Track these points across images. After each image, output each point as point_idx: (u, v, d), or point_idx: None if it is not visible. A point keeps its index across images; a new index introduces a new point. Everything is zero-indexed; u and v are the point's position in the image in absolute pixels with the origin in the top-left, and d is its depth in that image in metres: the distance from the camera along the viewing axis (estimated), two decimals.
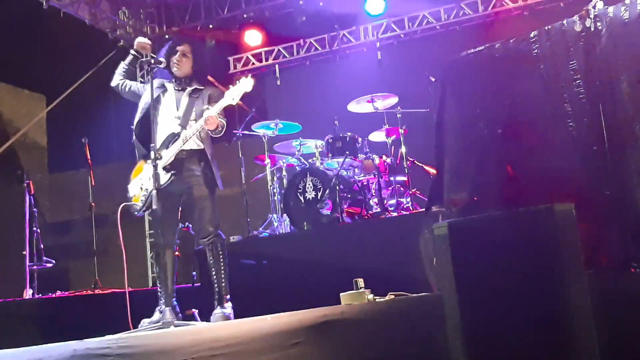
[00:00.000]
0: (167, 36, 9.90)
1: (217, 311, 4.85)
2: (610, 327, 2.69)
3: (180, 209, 5.13)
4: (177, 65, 5.11)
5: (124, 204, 4.92)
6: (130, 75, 5.35)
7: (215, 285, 4.94)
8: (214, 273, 4.95)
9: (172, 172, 4.74)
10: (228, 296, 4.94)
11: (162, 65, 4.96)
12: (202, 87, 5.18)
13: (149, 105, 4.85)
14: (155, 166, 4.56)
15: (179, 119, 4.98)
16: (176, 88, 5.13)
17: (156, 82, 5.08)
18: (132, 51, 5.28)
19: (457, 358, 2.63)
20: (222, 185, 5.08)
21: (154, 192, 4.51)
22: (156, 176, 4.50)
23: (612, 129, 3.74)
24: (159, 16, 10.43)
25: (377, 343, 3.22)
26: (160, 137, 4.91)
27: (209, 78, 5.28)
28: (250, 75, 5.10)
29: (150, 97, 4.80)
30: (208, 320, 4.87)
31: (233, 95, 4.92)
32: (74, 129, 9.56)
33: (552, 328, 2.46)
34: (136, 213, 5.01)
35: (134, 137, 5.06)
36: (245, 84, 4.95)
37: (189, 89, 5.13)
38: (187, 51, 5.15)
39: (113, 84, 5.32)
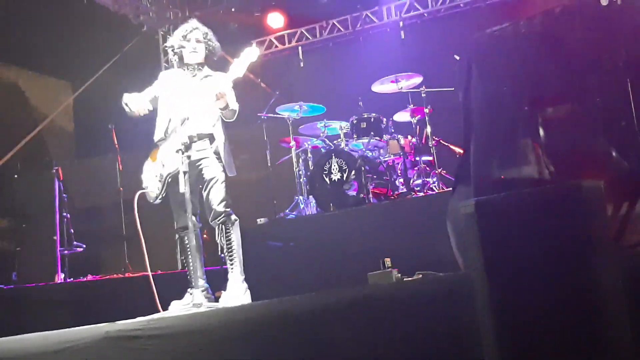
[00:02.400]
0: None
1: (227, 292, 4.84)
2: None
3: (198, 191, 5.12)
4: (190, 52, 5.06)
5: (141, 191, 4.94)
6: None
7: (228, 266, 4.92)
8: (226, 253, 4.93)
9: (187, 155, 4.68)
10: (242, 277, 4.90)
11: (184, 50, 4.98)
12: (214, 73, 5.14)
13: (165, 93, 5.00)
14: (180, 150, 4.59)
15: (191, 104, 4.91)
16: (189, 75, 5.09)
17: (168, 71, 5.10)
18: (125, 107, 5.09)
19: (486, 337, 2.63)
20: (245, 165, 5.06)
21: (181, 174, 4.54)
22: (184, 159, 4.55)
23: None
24: (182, 1, 10.43)
25: (404, 322, 3.23)
26: (175, 123, 4.90)
27: (223, 54, 5.19)
28: (255, 43, 4.96)
29: (165, 86, 4.98)
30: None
31: (238, 67, 4.83)
32: (101, 115, 9.65)
33: (582, 306, 2.45)
34: (152, 201, 5.01)
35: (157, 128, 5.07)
36: (250, 54, 4.84)
37: (200, 75, 5.10)
38: (199, 37, 5.09)
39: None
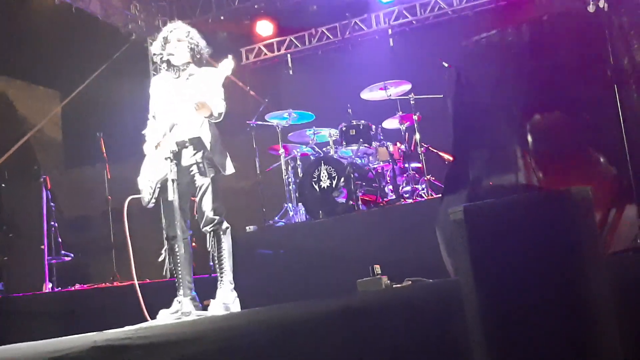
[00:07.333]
0: None
1: (216, 301, 4.80)
2: (629, 310, 2.68)
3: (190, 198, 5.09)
4: (174, 53, 4.95)
5: (131, 196, 4.90)
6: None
7: (218, 273, 4.90)
8: (216, 261, 4.90)
9: (175, 161, 4.62)
10: (232, 285, 4.87)
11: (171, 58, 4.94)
12: (199, 70, 5.04)
13: (157, 100, 4.97)
14: (168, 158, 4.56)
15: (177, 108, 4.83)
16: (174, 77, 5.00)
17: (158, 76, 5.07)
18: None
19: (476, 343, 2.63)
20: (234, 173, 5.00)
21: (170, 182, 4.51)
22: (172, 167, 4.52)
23: (629, 111, 3.72)
24: (170, 9, 10.43)
25: (394, 329, 3.23)
26: (162, 128, 4.82)
27: (207, 58, 5.14)
28: (231, 56, 4.90)
29: (155, 92, 4.95)
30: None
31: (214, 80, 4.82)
32: (89, 123, 9.64)
33: (571, 312, 2.45)
34: (146, 205, 4.97)
35: (145, 132, 5.05)
36: (225, 68, 4.79)
37: (185, 75, 5.00)
38: (180, 36, 5.00)
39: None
